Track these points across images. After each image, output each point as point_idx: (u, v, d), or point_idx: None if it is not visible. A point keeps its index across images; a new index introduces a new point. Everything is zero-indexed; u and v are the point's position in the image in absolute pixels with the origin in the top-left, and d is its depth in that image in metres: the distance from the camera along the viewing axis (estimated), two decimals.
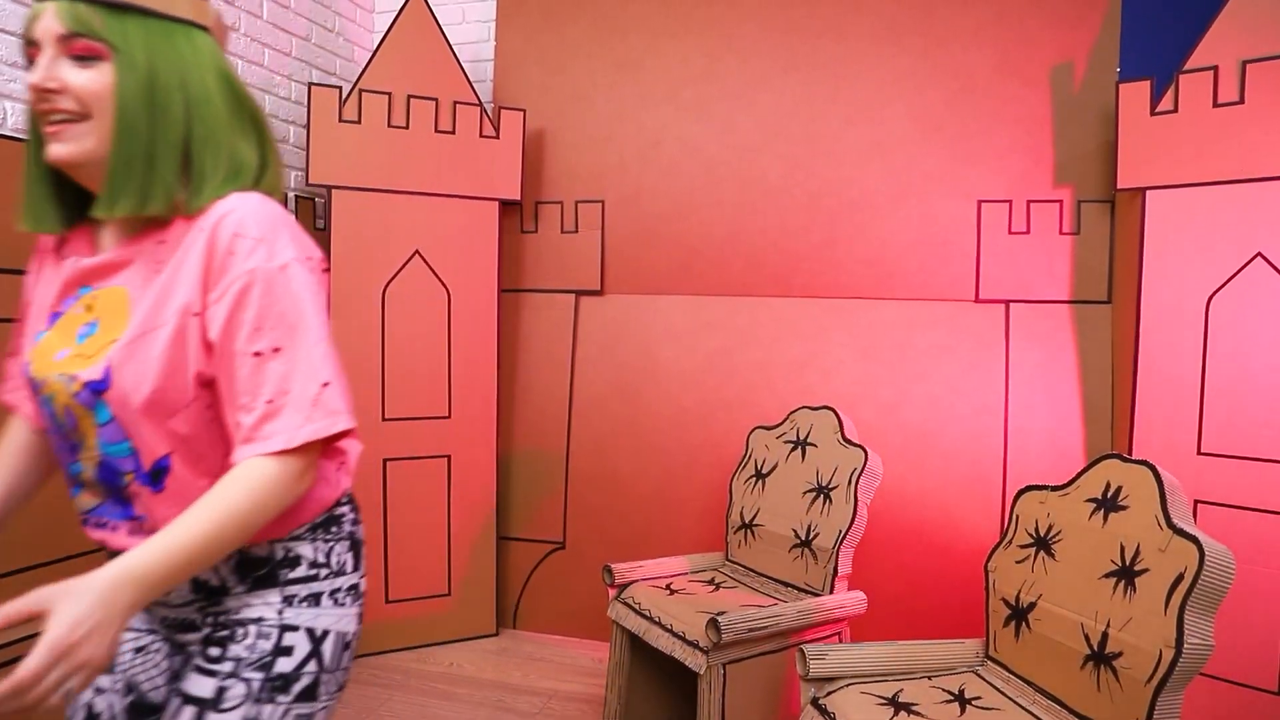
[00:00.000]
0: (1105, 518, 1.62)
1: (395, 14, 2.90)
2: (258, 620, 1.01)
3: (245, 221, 0.93)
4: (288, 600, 1.03)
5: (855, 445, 2.24)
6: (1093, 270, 2.60)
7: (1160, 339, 2.31)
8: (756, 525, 2.44)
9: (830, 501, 2.23)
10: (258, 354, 0.93)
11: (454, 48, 2.93)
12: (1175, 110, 2.27)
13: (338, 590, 1.07)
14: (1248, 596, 2.13)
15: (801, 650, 1.74)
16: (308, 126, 2.69)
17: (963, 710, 1.63)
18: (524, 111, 2.97)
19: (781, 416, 2.60)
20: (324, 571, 1.06)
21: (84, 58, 0.90)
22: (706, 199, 2.95)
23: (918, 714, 1.60)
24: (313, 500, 1.04)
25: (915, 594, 2.70)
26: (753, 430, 2.61)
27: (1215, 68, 2.21)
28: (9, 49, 2.03)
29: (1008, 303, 2.67)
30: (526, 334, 3.14)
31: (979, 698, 1.68)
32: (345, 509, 1.11)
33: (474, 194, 2.91)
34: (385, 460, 2.84)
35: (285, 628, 1.01)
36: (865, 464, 2.18)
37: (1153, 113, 2.31)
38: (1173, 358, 2.29)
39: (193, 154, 0.95)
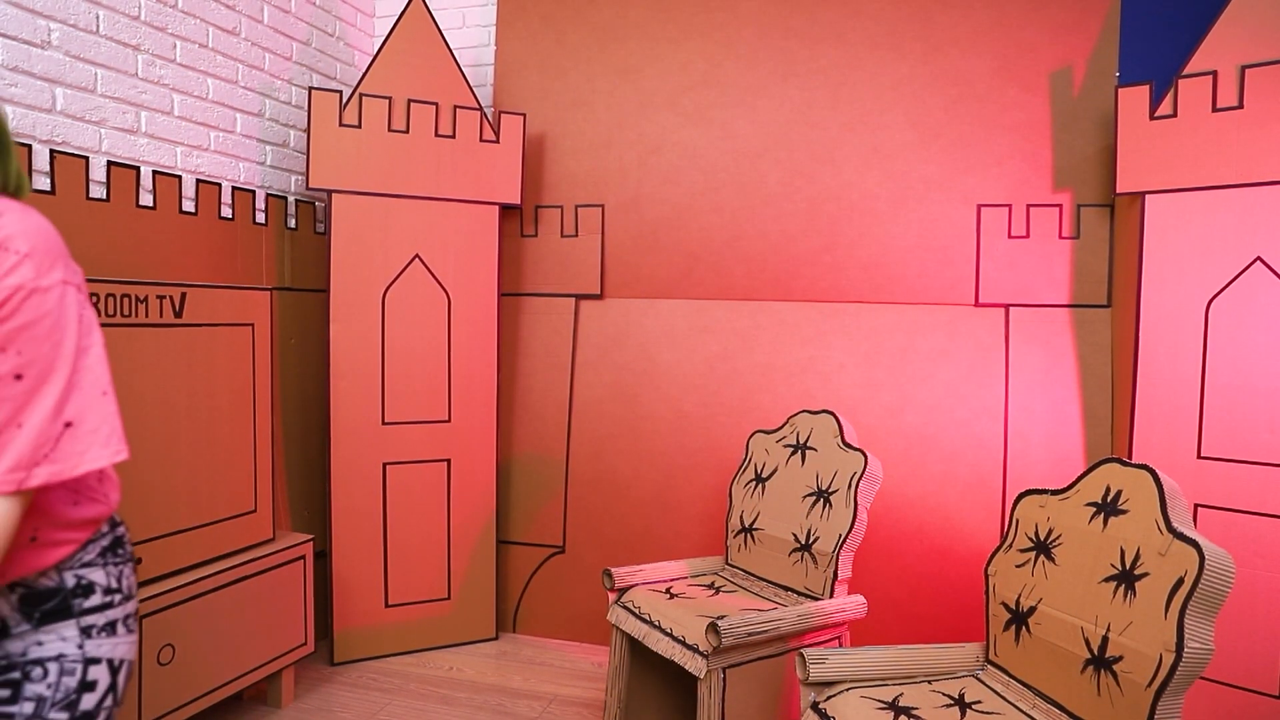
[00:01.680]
0: (1105, 521, 1.62)
1: (396, 18, 2.91)
2: (58, 657, 0.93)
3: (10, 233, 0.85)
4: (85, 631, 0.96)
5: (855, 449, 2.24)
6: (1092, 274, 2.60)
7: (1160, 342, 2.31)
8: (756, 529, 2.44)
9: (830, 506, 2.23)
10: (23, 376, 0.84)
11: (454, 52, 2.94)
12: (1174, 115, 2.28)
13: (129, 616, 1.02)
14: (1248, 600, 2.13)
15: (801, 654, 1.74)
16: (308, 130, 2.69)
17: (963, 714, 1.62)
18: (524, 116, 2.98)
19: (781, 420, 2.60)
20: (118, 597, 1.00)
21: None
22: (706, 204, 2.95)
23: (918, 718, 1.60)
24: (89, 522, 0.97)
25: (915, 598, 2.70)
26: (753, 434, 2.61)
27: (1214, 72, 2.21)
28: (9, 53, 2.03)
29: (1007, 307, 2.68)
30: (526, 338, 3.14)
31: (979, 702, 1.68)
32: (122, 528, 1.04)
33: (474, 198, 2.92)
34: (385, 464, 2.84)
35: (89, 661, 0.95)
36: (865, 468, 2.18)
37: (1152, 117, 2.31)
38: (1172, 361, 2.29)
39: None
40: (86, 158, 2.15)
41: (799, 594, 2.25)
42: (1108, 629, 1.52)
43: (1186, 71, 2.26)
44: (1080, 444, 2.58)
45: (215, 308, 2.24)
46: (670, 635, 2.08)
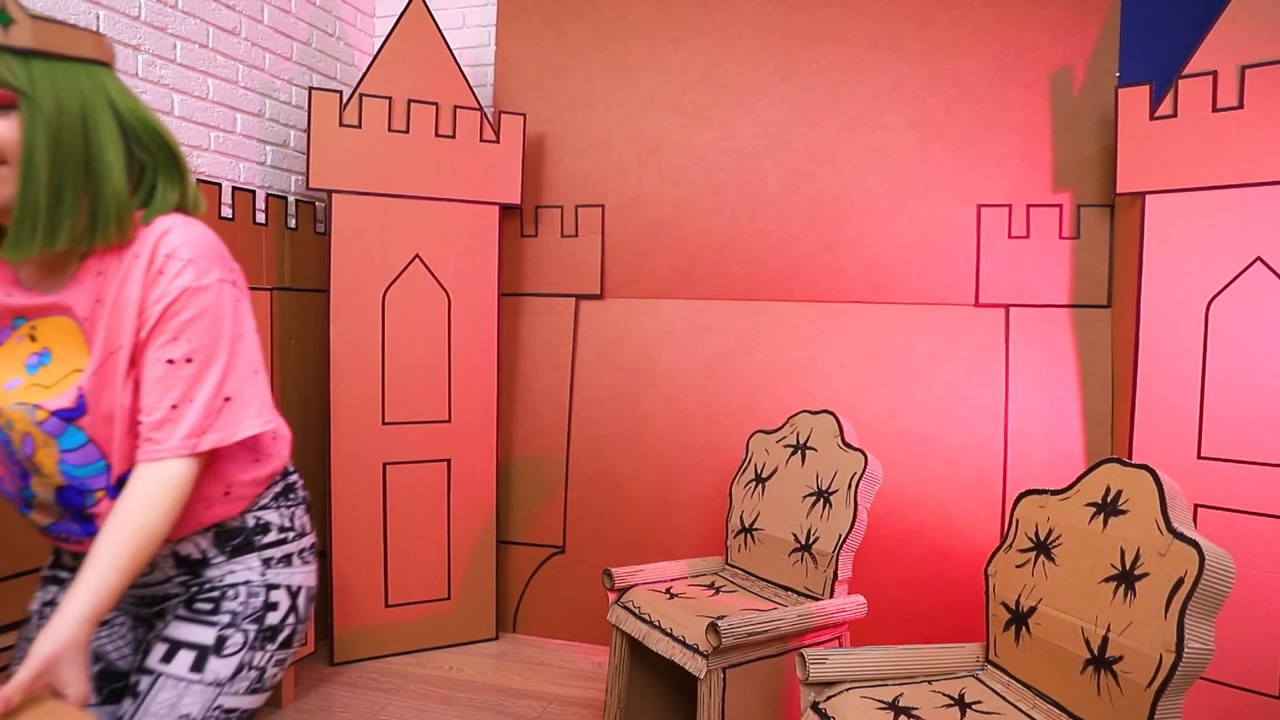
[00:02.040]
0: (1105, 522, 1.62)
1: (396, 18, 2.91)
2: (245, 583, 1.14)
3: (178, 244, 1.01)
4: (266, 563, 1.17)
5: (855, 449, 2.24)
6: (1092, 274, 2.60)
7: (1160, 343, 2.31)
8: (756, 529, 2.44)
9: (830, 506, 2.23)
10: (170, 361, 1.00)
11: (454, 52, 2.94)
12: (1174, 115, 2.28)
13: (303, 550, 1.22)
14: (1248, 600, 2.13)
15: (801, 655, 1.74)
16: (308, 131, 2.69)
17: (963, 714, 1.62)
18: (524, 116, 2.98)
19: (781, 420, 2.60)
20: (291, 534, 1.20)
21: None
22: (706, 204, 2.95)
23: (918, 718, 1.60)
24: (268, 476, 1.17)
25: (915, 598, 2.70)
26: (753, 434, 2.61)
27: (1214, 73, 2.21)
28: None
29: (1007, 307, 2.68)
30: (526, 338, 3.14)
31: (979, 702, 1.68)
32: (294, 476, 1.24)
33: (474, 198, 2.92)
34: (385, 464, 2.84)
35: (270, 586, 1.16)
36: (865, 468, 2.18)
37: (1152, 117, 2.31)
38: (1172, 361, 2.29)
39: (97, 190, 0.98)
40: None
41: (799, 594, 2.25)
42: (1108, 629, 1.52)
43: (1186, 71, 2.26)
44: (1080, 444, 2.58)
45: None
46: (670, 635, 2.08)
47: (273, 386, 2.51)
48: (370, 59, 3.03)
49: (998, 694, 1.72)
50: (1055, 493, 1.78)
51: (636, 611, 2.22)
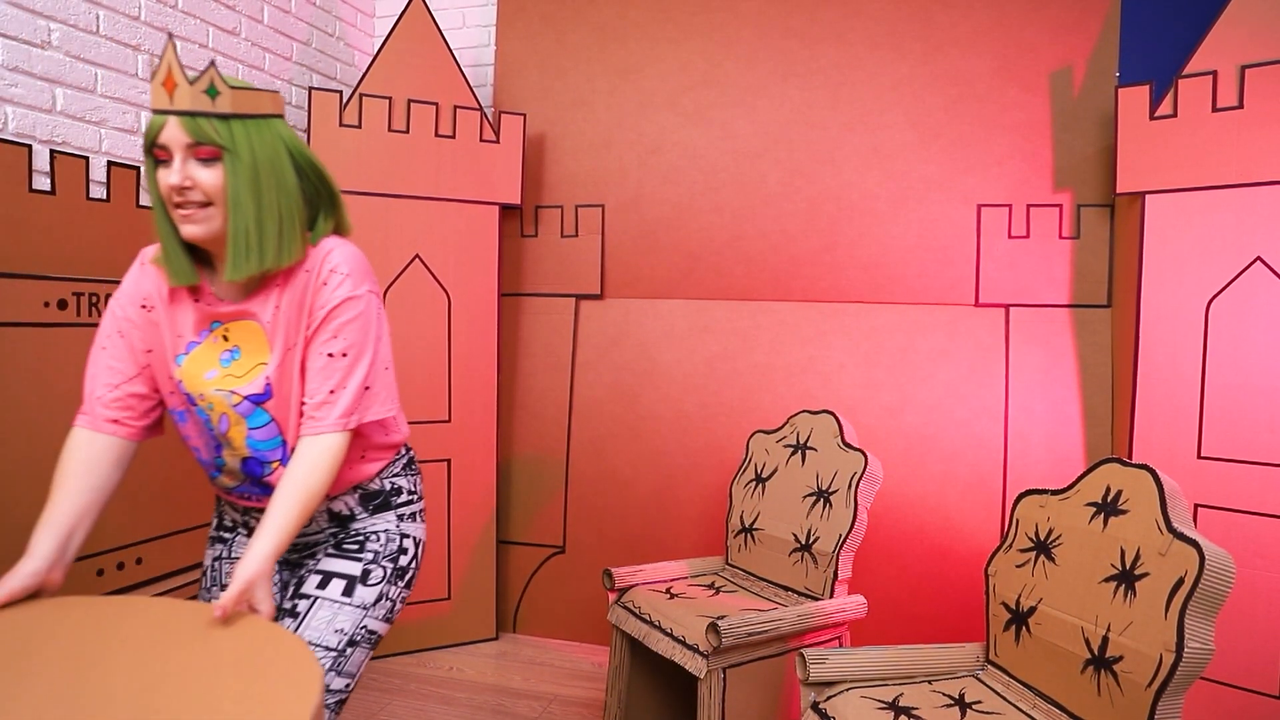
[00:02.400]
0: (1105, 521, 1.62)
1: (396, 19, 2.91)
2: (385, 531, 1.41)
3: (339, 261, 1.28)
4: (400, 518, 1.45)
5: (855, 449, 2.24)
6: (1092, 274, 2.61)
7: (1160, 342, 2.31)
8: (756, 529, 2.44)
9: (830, 506, 2.23)
10: (330, 355, 1.26)
11: (454, 52, 2.94)
12: (1174, 115, 2.28)
13: (422, 510, 1.50)
14: (1248, 600, 2.13)
15: (801, 654, 1.74)
16: (308, 131, 2.69)
17: (963, 714, 1.62)
18: (524, 116, 2.98)
19: (782, 420, 2.60)
20: (415, 497, 1.49)
21: (206, 159, 1.17)
22: (706, 204, 2.95)
23: (918, 718, 1.60)
24: (393, 445, 1.43)
25: (915, 598, 2.70)
26: (753, 434, 2.61)
27: (1214, 73, 2.21)
28: (9, 53, 2.03)
29: (1008, 307, 2.68)
30: (526, 338, 3.14)
31: (979, 702, 1.68)
32: (412, 451, 1.52)
33: (474, 198, 2.92)
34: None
35: (403, 535, 1.43)
36: (865, 468, 2.18)
37: (1152, 117, 2.31)
38: (1172, 361, 2.29)
39: (285, 219, 1.23)
40: (87, 158, 2.15)
41: (799, 594, 2.25)
42: (1108, 629, 1.52)
43: (1186, 71, 2.26)
44: (1080, 444, 2.58)
45: None
46: (670, 635, 2.08)
47: None
48: (370, 59, 3.03)
49: (998, 694, 1.72)
50: (1055, 493, 1.78)
51: (637, 611, 2.22)
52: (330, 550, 1.38)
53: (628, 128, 3.03)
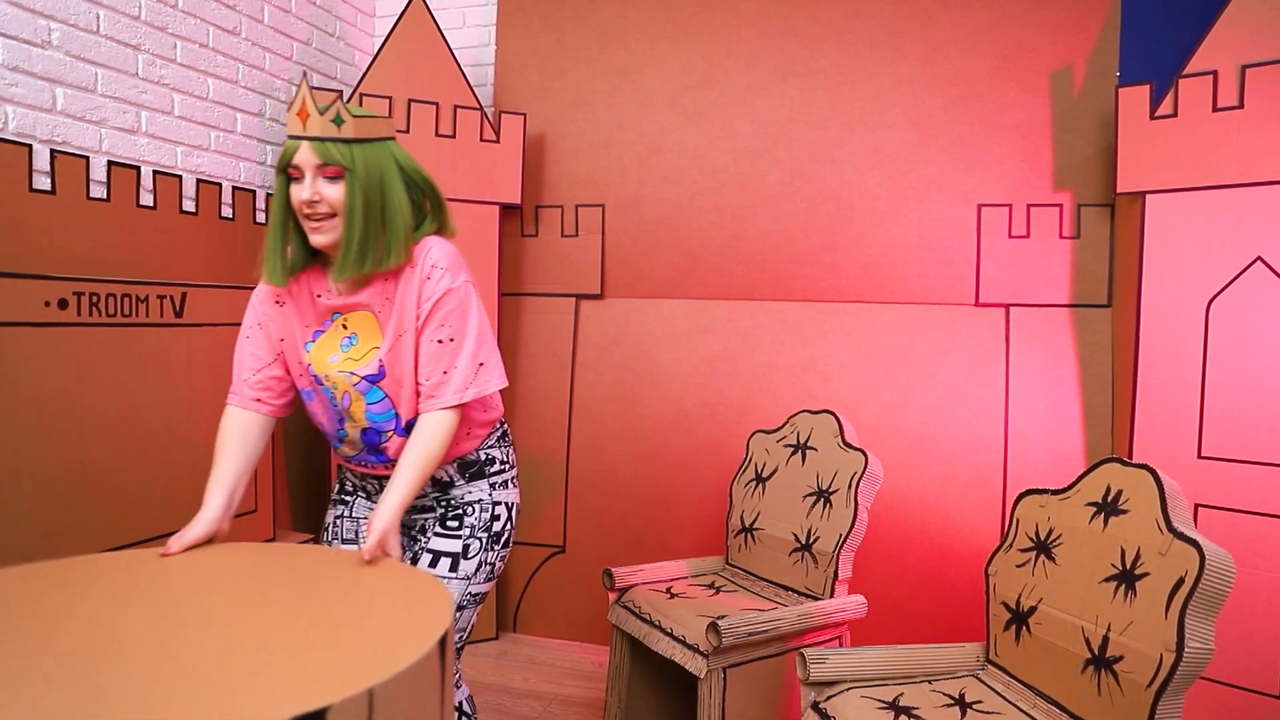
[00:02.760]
0: (1105, 521, 1.62)
1: (396, 18, 2.91)
2: (478, 501, 1.60)
3: (438, 258, 1.47)
4: (492, 486, 1.62)
5: (855, 449, 2.24)
6: (1093, 274, 2.61)
7: (1160, 342, 2.31)
8: (757, 529, 2.44)
9: (830, 505, 2.23)
10: (439, 341, 1.46)
11: (455, 52, 2.94)
12: (1175, 115, 2.28)
13: (514, 477, 1.67)
14: (1248, 600, 2.13)
15: (801, 654, 1.74)
16: None
17: (963, 714, 1.62)
18: (524, 116, 2.98)
19: (782, 420, 2.60)
20: (507, 466, 1.65)
21: (331, 178, 1.39)
22: (707, 204, 2.95)
23: (918, 718, 1.60)
24: (491, 420, 1.63)
25: (916, 598, 2.70)
26: (753, 434, 2.61)
27: (1215, 72, 2.21)
28: (9, 53, 2.03)
29: (1008, 307, 2.68)
30: (527, 338, 3.14)
31: (979, 701, 1.68)
32: (506, 425, 1.69)
33: (474, 198, 2.92)
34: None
35: (494, 503, 1.61)
36: (865, 468, 2.18)
37: (1152, 117, 2.31)
38: (1173, 361, 2.29)
39: (391, 229, 1.43)
40: (87, 158, 2.15)
41: (799, 594, 2.25)
42: (1108, 629, 1.52)
43: (1186, 71, 2.26)
44: (1080, 444, 2.58)
45: (215, 308, 2.24)
46: (670, 635, 2.08)
47: None
48: (370, 59, 3.03)
49: (998, 694, 1.72)
50: (1055, 492, 1.78)
51: (637, 611, 2.22)
52: (437, 530, 1.57)
53: (628, 128, 3.03)
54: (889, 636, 2.66)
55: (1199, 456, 2.24)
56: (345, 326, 1.51)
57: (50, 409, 1.81)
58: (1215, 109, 2.22)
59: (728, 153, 2.94)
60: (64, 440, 1.85)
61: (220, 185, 2.62)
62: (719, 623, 1.91)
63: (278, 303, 1.54)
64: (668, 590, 2.34)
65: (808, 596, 2.22)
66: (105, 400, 1.93)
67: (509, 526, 1.64)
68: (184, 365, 2.14)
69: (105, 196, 2.22)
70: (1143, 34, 2.58)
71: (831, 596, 2.16)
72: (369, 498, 1.67)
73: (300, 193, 1.39)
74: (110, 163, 2.23)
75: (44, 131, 2.12)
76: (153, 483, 2.07)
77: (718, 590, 2.36)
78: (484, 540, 1.59)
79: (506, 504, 1.64)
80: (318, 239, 1.42)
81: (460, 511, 1.58)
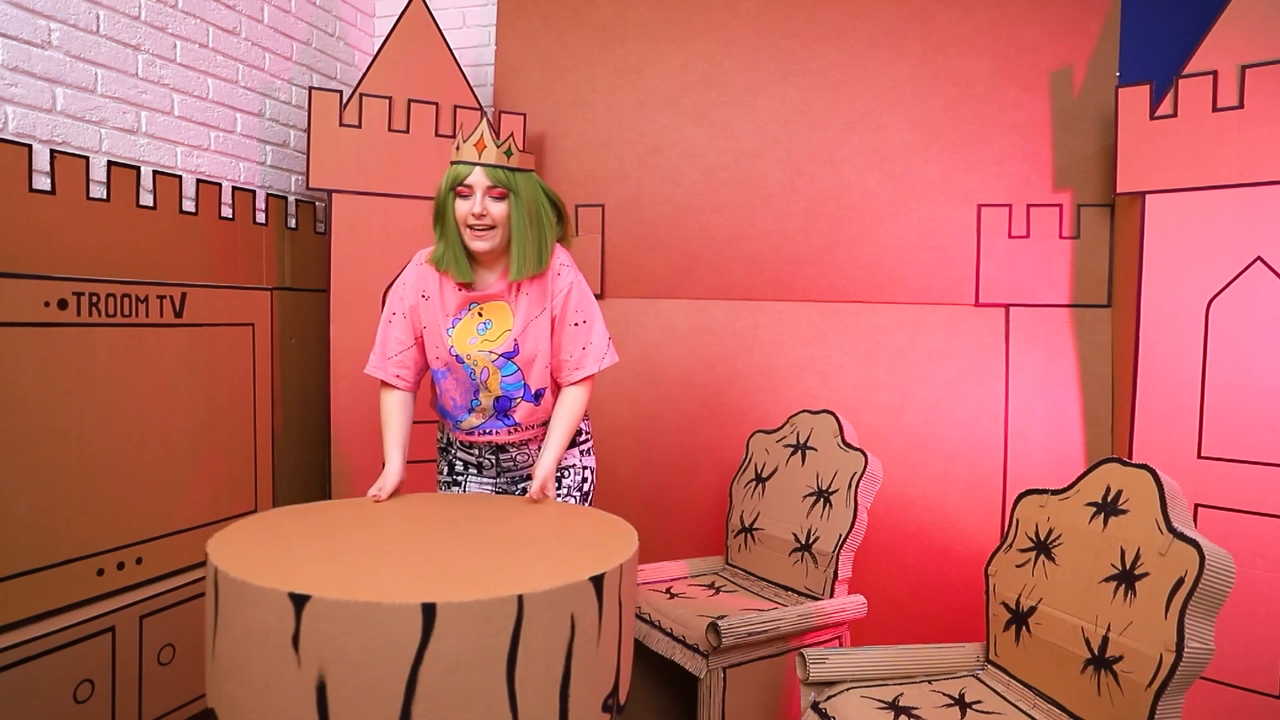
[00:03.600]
0: (1105, 521, 1.62)
1: (396, 18, 2.91)
2: (572, 465, 1.94)
3: (562, 258, 1.85)
4: (582, 453, 1.97)
5: (855, 449, 2.24)
6: (1093, 274, 2.60)
7: (1160, 342, 2.31)
8: (757, 529, 2.44)
9: (830, 506, 2.23)
10: (575, 324, 1.84)
11: (454, 52, 2.94)
12: (1174, 115, 2.28)
13: (592, 445, 2.01)
14: (1248, 600, 2.13)
15: (801, 654, 1.74)
16: (308, 130, 2.69)
17: (963, 714, 1.63)
18: (524, 116, 2.98)
19: (782, 420, 2.60)
20: (590, 437, 2.01)
21: (496, 197, 1.73)
22: (707, 204, 2.95)
23: (918, 718, 1.60)
24: None
25: (915, 598, 2.70)
26: (753, 434, 2.61)
27: (1214, 72, 2.21)
28: (9, 53, 2.03)
29: (1008, 307, 2.68)
30: None
31: (979, 702, 1.68)
32: None
33: None
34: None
35: (585, 468, 1.96)
36: (865, 468, 2.18)
37: (1152, 117, 2.31)
38: (1173, 361, 2.29)
39: (544, 240, 1.79)
40: (87, 158, 2.15)
41: (799, 594, 2.25)
42: (1108, 629, 1.52)
43: (1186, 71, 2.26)
44: (1080, 444, 2.58)
45: (215, 308, 2.25)
46: (670, 635, 2.08)
47: (272, 386, 2.51)
48: (370, 59, 3.03)
49: (998, 694, 1.72)
50: (1055, 492, 1.78)
51: (637, 611, 2.22)
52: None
53: (628, 128, 3.03)
54: (889, 636, 2.66)
55: (1199, 456, 2.24)
56: (481, 314, 1.81)
57: (50, 409, 1.81)
58: (1215, 109, 2.22)
59: (728, 153, 2.94)
60: (64, 440, 1.84)
61: (220, 185, 2.62)
62: (719, 623, 1.91)
63: (424, 296, 1.83)
64: (668, 590, 2.34)
65: (808, 596, 2.22)
66: (105, 400, 1.93)
67: (592, 488, 1.97)
68: (183, 365, 2.15)
69: (105, 197, 2.22)
70: (1143, 34, 2.58)
71: (831, 596, 2.16)
72: (480, 472, 1.97)
73: (471, 207, 1.71)
74: (110, 163, 2.23)
75: (44, 131, 2.12)
76: (151, 483, 2.07)
77: (717, 590, 2.36)
78: (576, 499, 1.91)
79: (592, 469, 1.98)
80: (477, 245, 1.74)
81: (559, 475, 1.90)
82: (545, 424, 1.89)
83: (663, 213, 2.99)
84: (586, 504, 1.90)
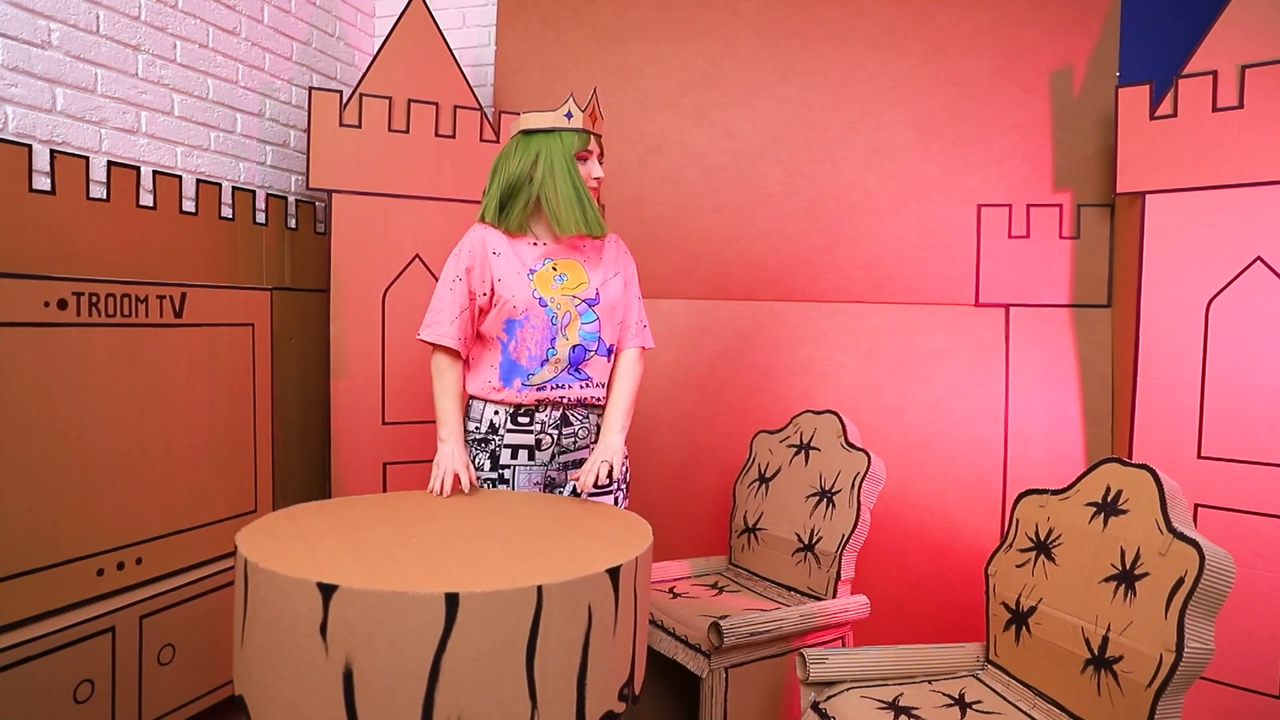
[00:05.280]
0: (1105, 521, 1.62)
1: (396, 18, 2.90)
2: (625, 455, 1.98)
3: (622, 244, 2.06)
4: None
5: (858, 450, 2.24)
6: (1092, 274, 2.61)
7: (1160, 342, 2.31)
8: (760, 529, 2.44)
9: (834, 506, 2.24)
10: (639, 298, 2.04)
11: (454, 52, 2.94)
12: (1174, 115, 2.28)
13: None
14: (1248, 599, 2.13)
15: (801, 654, 1.74)
16: (308, 130, 2.69)
17: (963, 714, 1.63)
18: None
19: (784, 420, 2.60)
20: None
21: (600, 161, 1.94)
22: (707, 204, 2.95)
23: (918, 718, 1.60)
24: None
25: (916, 598, 2.70)
26: (756, 434, 2.61)
27: (1215, 72, 2.21)
28: (9, 53, 2.03)
29: (1007, 306, 2.68)
30: None
31: (979, 702, 1.68)
32: None
33: (475, 198, 2.91)
34: (385, 464, 2.84)
35: (626, 455, 1.98)
36: (868, 469, 2.18)
37: (1152, 117, 2.31)
38: (1172, 361, 2.29)
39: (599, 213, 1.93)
40: (87, 158, 2.15)
41: (802, 594, 2.25)
42: (1108, 629, 1.52)
43: (1186, 71, 2.26)
44: (1080, 444, 2.58)
45: (215, 308, 2.25)
46: (673, 635, 2.08)
47: (272, 386, 2.51)
48: (370, 59, 3.03)
49: (998, 694, 1.72)
50: (1055, 492, 1.78)
51: None
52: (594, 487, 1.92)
53: (628, 128, 3.03)
54: (889, 636, 2.66)
55: (1199, 456, 2.24)
56: (555, 269, 1.91)
57: (50, 409, 1.81)
58: (1215, 109, 2.22)
59: (727, 153, 2.94)
60: (64, 440, 1.84)
61: (220, 185, 2.62)
62: (721, 623, 1.91)
63: (495, 253, 1.88)
64: (670, 590, 2.34)
65: (811, 597, 2.22)
66: (104, 400, 1.93)
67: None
68: (183, 365, 2.14)
69: (105, 197, 2.22)
70: (1143, 34, 2.58)
71: (834, 597, 2.16)
72: (532, 457, 1.94)
73: (596, 170, 1.89)
74: (110, 163, 2.23)
75: (44, 132, 2.12)
76: (151, 483, 2.07)
77: (720, 590, 2.36)
78: (625, 488, 1.99)
79: (628, 456, 2.03)
80: (594, 202, 1.90)
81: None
82: (604, 385, 1.96)
83: (663, 212, 2.99)
84: (626, 489, 1.99)
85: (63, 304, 1.83)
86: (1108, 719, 1.49)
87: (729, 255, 2.94)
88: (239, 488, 2.35)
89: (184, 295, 2.14)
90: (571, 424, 1.94)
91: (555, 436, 1.93)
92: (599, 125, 1.93)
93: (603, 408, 1.97)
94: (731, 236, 2.93)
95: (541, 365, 1.88)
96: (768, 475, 2.49)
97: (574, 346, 1.88)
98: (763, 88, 2.91)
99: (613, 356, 1.98)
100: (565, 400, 1.91)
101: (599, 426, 1.97)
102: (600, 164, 1.91)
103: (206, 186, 2.55)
